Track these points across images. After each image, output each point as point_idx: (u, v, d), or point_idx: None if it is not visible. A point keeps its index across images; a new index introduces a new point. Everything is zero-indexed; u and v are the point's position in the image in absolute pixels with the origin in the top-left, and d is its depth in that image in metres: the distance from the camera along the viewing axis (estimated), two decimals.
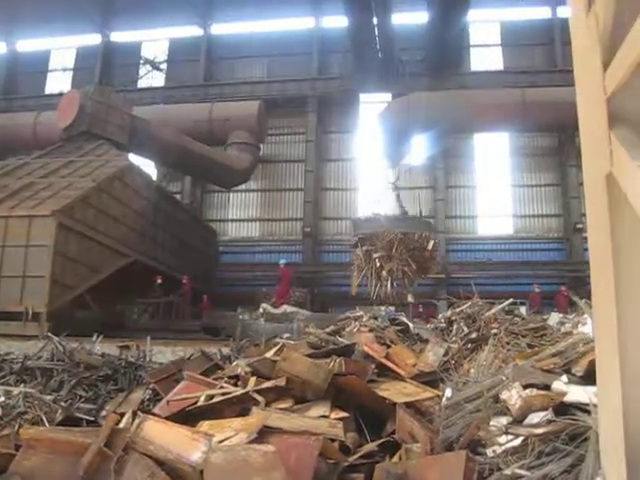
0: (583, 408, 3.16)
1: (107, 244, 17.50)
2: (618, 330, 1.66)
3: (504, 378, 3.97)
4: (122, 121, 21.60)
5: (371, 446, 4.25)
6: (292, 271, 22.81)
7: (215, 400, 4.80)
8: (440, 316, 9.66)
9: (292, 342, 8.02)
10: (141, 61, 33.77)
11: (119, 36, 34.73)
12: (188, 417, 4.49)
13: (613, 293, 1.66)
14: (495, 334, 6.74)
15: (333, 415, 4.51)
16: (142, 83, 33.60)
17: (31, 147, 25.37)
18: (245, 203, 31.21)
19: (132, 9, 32.21)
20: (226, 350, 9.45)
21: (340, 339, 7.76)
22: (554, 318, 8.27)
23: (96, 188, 17.19)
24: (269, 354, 6.11)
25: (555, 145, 29.26)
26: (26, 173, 18.47)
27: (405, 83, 26.85)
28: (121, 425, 4.04)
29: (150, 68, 33.44)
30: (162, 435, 3.39)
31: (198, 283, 23.56)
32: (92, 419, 6.71)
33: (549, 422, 3.21)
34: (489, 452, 3.40)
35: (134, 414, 4.17)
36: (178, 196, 29.14)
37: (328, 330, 8.78)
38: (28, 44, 35.62)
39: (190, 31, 33.47)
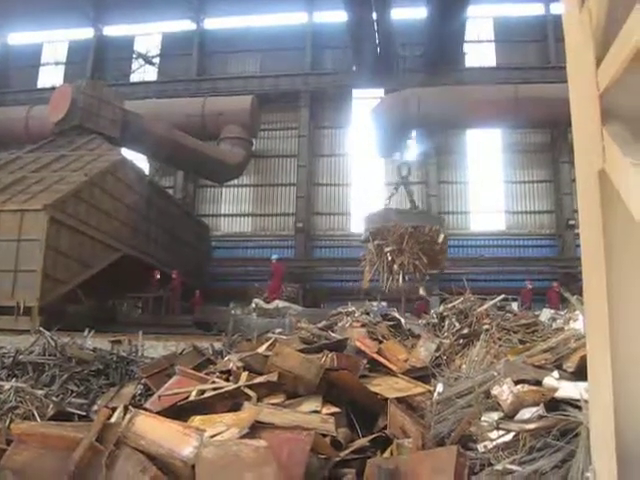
0: (574, 404, 3.17)
1: (99, 239, 17.45)
2: (609, 326, 1.66)
3: (495, 374, 3.98)
4: (114, 115, 21.52)
5: (363, 441, 4.26)
6: (284, 266, 22.81)
7: (207, 395, 4.80)
8: (432, 312, 9.68)
9: (284, 337, 8.03)
10: (134, 55, 33.62)
11: (112, 30, 34.53)
12: (180, 412, 4.48)
13: (605, 289, 1.66)
14: (487, 330, 6.76)
15: (325, 410, 4.51)
16: (135, 77, 33.45)
17: (23, 141, 25.20)
18: (238, 198, 31.15)
19: (125, 3, 32.08)
20: (218, 345, 9.45)
21: (332, 334, 7.77)
22: (546, 314, 8.29)
23: (88, 182, 17.13)
24: (261, 349, 6.12)
25: (548, 141, 29.27)
26: (18, 167, 18.38)
27: (402, 78, 26.81)
28: (113, 420, 4.04)
29: (143, 62, 33.31)
30: (154, 430, 3.39)
31: (190, 278, 23.51)
32: (84, 414, 6.71)
33: (540, 418, 3.22)
34: (480, 447, 3.41)
35: (125, 409, 4.16)
36: (170, 191, 29.04)
37: (320, 325, 8.80)
38: (20, 37, 35.38)
39: (183, 25, 33.30)
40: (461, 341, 7.04)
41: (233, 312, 15.98)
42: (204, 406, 4.62)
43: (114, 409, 4.61)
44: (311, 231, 29.58)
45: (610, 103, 1.68)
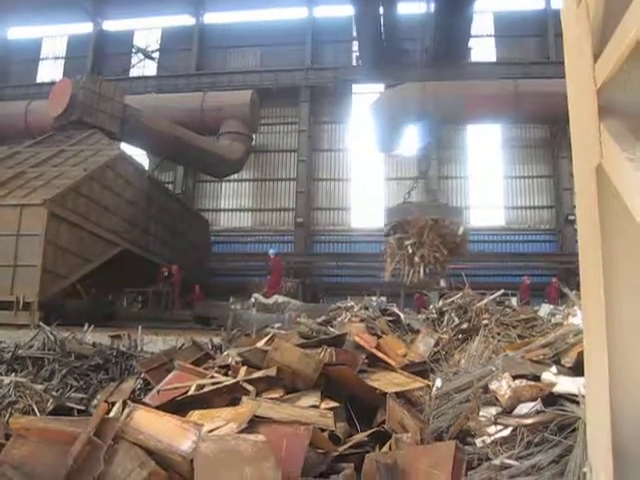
0: (572, 399, 3.18)
1: (98, 233, 17.43)
2: (606, 322, 1.66)
3: (494, 369, 3.99)
4: (114, 110, 21.47)
5: (361, 436, 4.27)
6: (282, 261, 22.82)
7: (206, 390, 4.81)
8: (431, 307, 9.68)
9: (283, 332, 8.03)
10: (133, 50, 33.55)
11: (111, 25, 34.45)
12: (179, 407, 4.49)
13: (602, 285, 1.66)
14: (486, 325, 6.76)
15: (323, 405, 4.52)
16: (134, 72, 33.33)
17: (22, 136, 25.17)
18: (237, 193, 31.14)
19: None
20: (217, 340, 9.48)
21: (331, 329, 7.79)
22: (545, 309, 8.31)
23: (87, 177, 17.11)
24: (260, 344, 6.13)
25: (547, 137, 29.24)
26: (17, 162, 18.37)
27: (407, 73, 26.70)
28: (111, 414, 4.05)
29: (142, 57, 33.23)
30: (152, 424, 3.39)
31: (190, 273, 23.50)
32: (83, 408, 6.74)
33: (538, 413, 3.23)
34: (478, 442, 3.42)
35: (124, 403, 4.16)
36: (170, 186, 29.08)
37: (319, 320, 8.81)
38: (20, 32, 35.30)
39: (183, 20, 33.28)
40: (460, 336, 7.05)
41: (232, 307, 15.99)
42: (203, 401, 4.62)
43: (113, 404, 4.62)
44: (311, 226, 29.58)
45: (607, 99, 1.68)
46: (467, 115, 25.48)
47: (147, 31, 33.92)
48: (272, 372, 4.83)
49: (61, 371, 7.84)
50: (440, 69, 25.35)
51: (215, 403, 4.59)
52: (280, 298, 16.74)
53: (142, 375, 7.10)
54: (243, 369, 5.10)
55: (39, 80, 33.58)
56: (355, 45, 30.92)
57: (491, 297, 8.26)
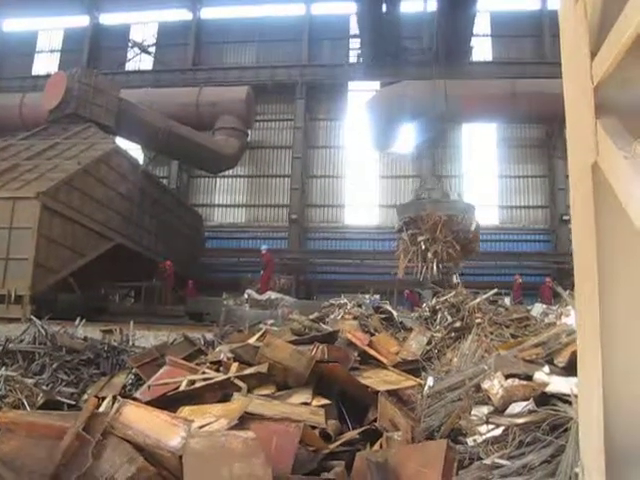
0: (564, 399, 3.17)
1: (92, 227, 17.38)
2: (600, 321, 1.65)
3: (486, 368, 3.97)
4: (109, 104, 21.44)
5: (352, 434, 4.26)
6: (274, 257, 22.84)
7: (197, 385, 4.79)
8: (424, 305, 9.68)
9: (275, 328, 8.02)
10: (129, 44, 33.43)
11: (108, 18, 34.31)
12: (169, 402, 4.47)
13: (596, 283, 1.65)
14: (479, 324, 6.76)
15: (315, 402, 4.51)
16: (130, 66, 33.23)
17: (17, 128, 25.03)
18: (232, 189, 31.11)
19: None
20: (209, 335, 9.45)
21: (324, 326, 7.77)
22: (538, 309, 8.31)
23: (81, 171, 17.06)
24: (252, 340, 6.10)
25: (543, 137, 29.27)
26: (11, 155, 18.28)
27: (406, 71, 26.70)
28: (101, 409, 4.03)
29: (138, 51, 33.14)
30: (141, 420, 3.37)
31: (183, 268, 23.47)
32: (73, 403, 6.71)
33: (530, 412, 3.22)
34: (470, 441, 3.41)
35: (114, 398, 4.14)
36: (164, 180, 29.02)
37: (312, 317, 8.79)
38: (15, 24, 35.14)
39: (179, 15, 33.19)
40: (453, 335, 7.04)
41: (225, 303, 15.98)
42: (194, 397, 4.61)
43: (103, 398, 4.60)
44: (305, 223, 29.57)
45: (604, 97, 1.67)
46: (463, 114, 25.50)
47: (143, 25, 33.80)
48: (264, 369, 4.81)
49: (52, 365, 7.80)
50: (441, 68, 25.28)
51: (206, 399, 4.57)
52: (273, 294, 16.75)
53: (133, 370, 7.09)
54: (235, 365, 5.09)
55: (34, 73, 33.43)
56: (352, 42, 30.93)
57: (484, 296, 8.25)
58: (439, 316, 8.13)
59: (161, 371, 5.68)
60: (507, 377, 3.54)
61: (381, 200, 29.60)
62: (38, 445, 3.17)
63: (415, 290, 23.31)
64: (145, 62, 33.30)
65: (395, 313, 9.48)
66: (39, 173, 16.40)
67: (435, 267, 15.64)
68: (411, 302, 21.20)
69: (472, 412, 3.61)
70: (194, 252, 26.79)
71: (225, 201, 31.01)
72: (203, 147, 25.27)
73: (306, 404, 4.45)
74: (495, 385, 3.51)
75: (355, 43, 30.64)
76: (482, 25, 30.53)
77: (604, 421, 1.63)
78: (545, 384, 3.34)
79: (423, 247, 15.62)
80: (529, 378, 3.51)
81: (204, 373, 5.19)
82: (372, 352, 6.32)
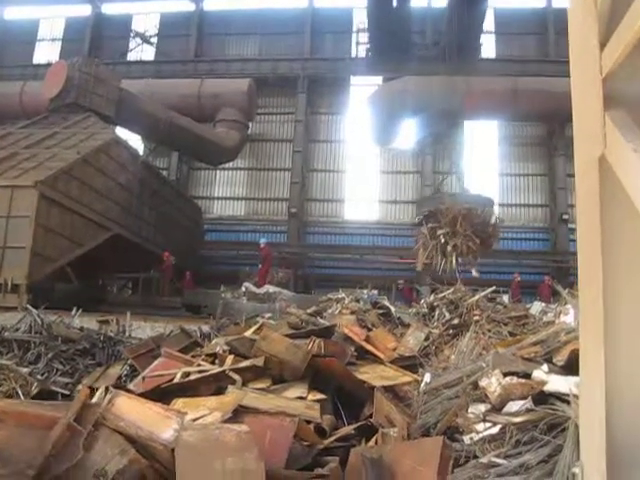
0: (563, 398, 3.13)
1: (90, 217, 17.30)
2: (604, 320, 1.61)
3: (484, 365, 3.93)
4: (110, 94, 21.36)
5: (347, 429, 4.22)
6: (273, 250, 22.88)
7: (191, 378, 4.75)
8: (422, 301, 9.66)
9: (273, 322, 8.00)
10: (131, 34, 33.35)
11: (110, 8, 34.20)
12: (164, 394, 4.43)
13: (601, 280, 1.61)
14: (477, 321, 6.73)
15: (310, 397, 4.48)
16: (132, 56, 33.15)
17: (17, 117, 24.94)
18: (232, 181, 31.06)
19: None
20: (206, 328, 9.42)
21: (321, 320, 7.75)
22: (536, 307, 8.29)
23: (80, 160, 16.98)
24: (248, 333, 6.07)
25: (544, 135, 29.26)
26: (10, 143, 18.21)
27: (413, 66, 26.63)
28: (94, 400, 3.98)
29: (140, 41, 33.04)
30: (134, 411, 3.32)
31: (181, 260, 23.44)
32: (68, 393, 6.67)
33: (528, 411, 3.18)
34: (466, 439, 3.37)
35: (107, 389, 4.10)
36: (164, 172, 28.96)
37: (309, 311, 8.77)
38: (17, 12, 35.04)
39: (182, 5, 33.10)
40: (450, 332, 7.02)
41: (223, 295, 15.96)
42: (188, 389, 4.57)
43: (96, 389, 4.56)
44: (304, 217, 29.54)
45: (613, 88, 1.63)
46: (465, 111, 25.44)
47: (145, 16, 33.71)
48: (259, 362, 4.78)
49: (47, 355, 7.77)
50: (451, 64, 25.26)
51: (201, 391, 4.54)
52: (271, 288, 16.74)
53: (129, 361, 7.06)
54: (230, 358, 5.05)
55: (35, 61, 33.37)
56: (354, 36, 30.86)
57: (483, 294, 8.23)
58: (437, 313, 8.12)
59: (156, 362, 5.66)
60: (505, 375, 3.50)
61: (381, 195, 29.59)
62: (28, 435, 3.12)
63: (413, 286, 23.34)
64: (147, 53, 33.22)
65: (393, 309, 9.47)
66: (38, 162, 16.33)
67: (454, 261, 15.62)
68: (407, 297, 21.21)
69: (469, 410, 3.57)
70: (193, 244, 26.75)
71: (225, 194, 30.96)
72: (204, 139, 25.22)
73: (301, 398, 4.42)
74: (493, 383, 3.47)
75: (358, 37, 30.59)
76: (486, 22, 30.47)
77: (606, 422, 1.59)
78: (543, 383, 3.30)
79: (443, 241, 15.59)
80: (527, 376, 3.47)
81: (199, 365, 5.16)
82: (369, 347, 6.29)
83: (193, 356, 5.82)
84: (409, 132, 28.03)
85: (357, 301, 10.00)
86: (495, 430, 3.23)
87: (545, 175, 28.90)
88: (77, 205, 16.57)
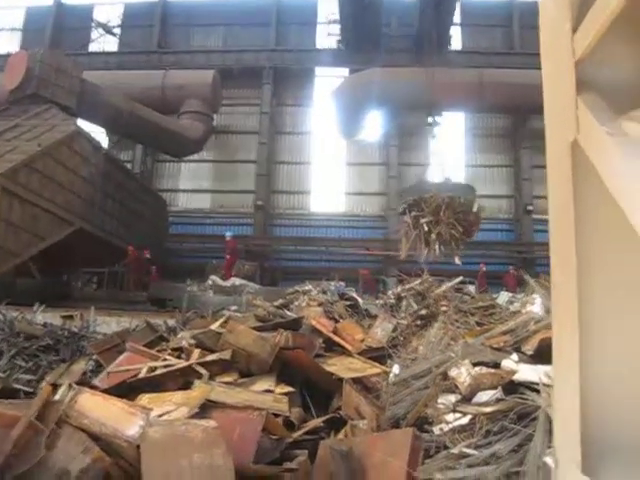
0: (532, 387, 3.13)
1: (52, 211, 17.02)
2: (579, 307, 1.58)
3: (453, 355, 3.92)
4: (71, 85, 21.03)
5: (316, 422, 4.21)
6: (237, 243, 22.82)
7: (157, 372, 4.69)
8: (389, 292, 9.67)
9: (239, 315, 7.94)
10: (94, 25, 32.82)
11: None
12: (129, 390, 4.38)
13: (574, 268, 1.58)
14: (444, 311, 6.74)
15: (278, 390, 4.46)
16: (94, 47, 32.65)
17: None
18: (197, 174, 30.79)
19: None
20: (172, 322, 9.32)
21: (288, 313, 7.71)
22: (503, 297, 8.34)
23: (42, 153, 16.69)
24: (214, 326, 6.01)
25: (509, 127, 29.50)
26: None
27: (376, 58, 26.61)
28: (56, 397, 3.90)
29: (103, 32, 32.53)
30: (97, 408, 3.26)
31: (147, 253, 23.21)
32: (31, 391, 6.55)
33: (498, 401, 3.17)
34: (436, 430, 3.35)
35: (70, 386, 4.01)
36: (129, 164, 28.57)
37: (276, 303, 8.73)
38: None
39: None
40: (418, 322, 7.02)
41: (189, 289, 15.85)
42: (154, 384, 4.52)
43: (60, 386, 4.47)
44: (270, 209, 29.43)
45: (585, 72, 1.60)
46: (430, 102, 25.50)
47: (109, 6, 33.18)
48: (226, 355, 4.74)
49: (9, 352, 7.63)
50: (420, 55, 25.28)
51: (167, 386, 4.49)
52: (237, 281, 16.66)
53: (93, 357, 6.96)
54: (196, 352, 5.00)
55: None
56: (323, 28, 30.81)
57: (450, 284, 8.26)
58: (404, 303, 8.12)
59: (121, 358, 5.58)
60: (475, 365, 3.50)
61: (347, 187, 29.58)
62: None
63: (375, 277, 23.45)
64: (110, 44, 32.70)
65: (360, 300, 9.46)
66: None
67: (438, 249, 15.68)
68: (368, 286, 21.22)
69: (439, 400, 3.55)
70: (158, 237, 26.48)
71: (190, 186, 30.68)
72: (168, 131, 24.99)
73: (269, 391, 4.40)
74: (462, 373, 3.45)
75: (324, 28, 30.54)
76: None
77: (581, 411, 1.57)
78: (513, 372, 3.30)
79: (426, 229, 15.63)
80: (497, 366, 3.47)
81: (165, 360, 5.09)
82: (337, 339, 6.27)
83: (159, 350, 5.75)
84: (375, 124, 28.06)
85: (324, 293, 9.98)
86: (465, 420, 3.21)
87: (510, 166, 29.13)
88: (39, 198, 16.28)
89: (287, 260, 28.79)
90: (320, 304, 8.60)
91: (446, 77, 24.58)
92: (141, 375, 4.71)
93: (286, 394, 4.36)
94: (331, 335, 6.31)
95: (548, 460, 2.48)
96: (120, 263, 21.65)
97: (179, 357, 5.21)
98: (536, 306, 5.00)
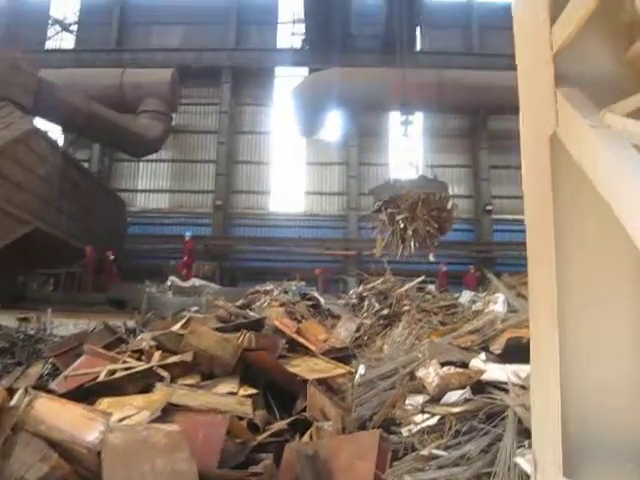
0: (500, 386, 3.11)
1: (8, 210, 16.67)
2: (557, 302, 1.55)
3: (420, 355, 3.89)
4: (27, 83, 20.63)
5: (281, 424, 4.15)
6: (195, 243, 22.71)
7: (117, 375, 4.58)
8: (351, 292, 9.67)
9: (200, 316, 7.85)
10: (50, 21, 32.26)
11: None
12: (88, 394, 4.26)
13: (553, 262, 1.56)
14: (407, 311, 6.74)
15: (242, 392, 4.39)
16: (50, 44, 32.08)
17: None
18: (155, 173, 30.44)
19: None
20: (131, 323, 9.19)
21: (250, 313, 7.64)
22: (465, 296, 8.38)
23: None
24: (175, 328, 5.91)
25: (468, 127, 29.77)
26: None
27: (337, 58, 26.58)
28: (13, 402, 3.77)
29: (59, 29, 31.98)
30: (55, 414, 3.15)
31: (104, 254, 22.88)
32: None
33: (467, 401, 3.14)
34: (404, 431, 3.32)
35: (26, 390, 3.89)
36: (86, 164, 28.13)
37: (238, 304, 8.66)
38: None
39: None
40: (382, 322, 7.01)
41: (148, 290, 15.68)
42: (114, 387, 4.41)
43: (16, 390, 4.33)
44: (230, 209, 29.26)
45: (564, 65, 1.57)
46: (390, 102, 25.60)
47: (65, 2, 32.64)
48: (188, 357, 4.66)
49: None
50: (385, 56, 25.32)
51: (127, 390, 4.39)
52: (197, 281, 16.55)
53: (50, 360, 6.80)
54: (157, 354, 4.91)
55: None
56: (284, 27, 30.77)
57: (411, 284, 8.27)
58: (366, 303, 8.12)
59: (79, 361, 5.45)
60: (442, 365, 3.47)
61: (307, 187, 29.55)
62: None
63: (330, 275, 23.51)
64: (66, 41, 32.18)
65: (322, 300, 9.44)
66: None
67: (413, 245, 15.73)
68: (322, 282, 21.19)
69: (406, 401, 3.52)
70: (116, 238, 26.12)
71: (148, 186, 30.31)
72: (125, 130, 24.66)
73: (233, 394, 4.33)
74: (430, 373, 3.43)
75: (285, 28, 30.52)
76: None
77: (561, 409, 1.54)
78: (482, 372, 3.28)
79: (402, 226, 15.66)
80: (465, 366, 3.45)
81: (125, 362, 4.98)
82: (300, 339, 6.22)
83: (118, 353, 5.62)
84: (335, 123, 28.08)
85: (286, 293, 9.94)
86: (434, 421, 3.19)
87: (469, 167, 29.39)
88: None
89: (247, 260, 28.64)
90: (282, 304, 8.56)
91: (408, 77, 24.72)
92: (100, 378, 4.60)
93: (250, 396, 4.30)
94: (294, 336, 6.26)
95: (519, 460, 2.45)
96: (78, 264, 21.28)
97: (139, 359, 5.10)
98: (499, 305, 5.01)
